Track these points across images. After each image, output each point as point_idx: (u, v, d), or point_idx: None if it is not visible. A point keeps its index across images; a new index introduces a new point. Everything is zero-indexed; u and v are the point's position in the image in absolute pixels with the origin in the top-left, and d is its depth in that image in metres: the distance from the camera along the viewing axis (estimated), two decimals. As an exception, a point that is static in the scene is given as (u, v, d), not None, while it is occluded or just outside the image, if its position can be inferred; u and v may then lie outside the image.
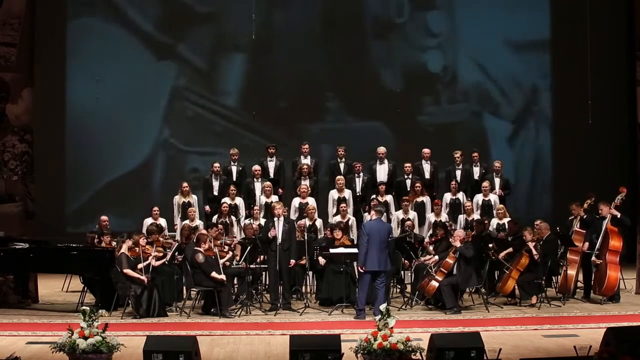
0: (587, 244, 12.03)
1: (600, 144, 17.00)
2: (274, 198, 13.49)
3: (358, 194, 13.96)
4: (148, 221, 13.01)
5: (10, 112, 12.29)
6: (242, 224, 12.92)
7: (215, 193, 14.01)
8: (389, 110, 16.93)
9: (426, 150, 14.50)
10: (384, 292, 10.83)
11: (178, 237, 12.89)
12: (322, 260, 11.94)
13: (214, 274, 11.05)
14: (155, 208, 13.36)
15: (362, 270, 11.00)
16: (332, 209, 13.69)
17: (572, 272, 12.08)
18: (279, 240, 11.32)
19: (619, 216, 11.95)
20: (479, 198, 13.86)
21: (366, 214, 13.68)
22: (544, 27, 17.53)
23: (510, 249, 12.00)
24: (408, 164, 14.27)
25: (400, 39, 17.31)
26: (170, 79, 17.11)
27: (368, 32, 17.32)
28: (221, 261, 11.38)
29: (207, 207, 14.04)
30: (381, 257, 10.75)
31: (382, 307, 8.40)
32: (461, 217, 13.59)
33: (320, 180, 14.47)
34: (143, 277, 10.96)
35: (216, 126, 17.06)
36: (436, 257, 11.65)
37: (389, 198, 13.88)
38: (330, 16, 17.18)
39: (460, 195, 13.93)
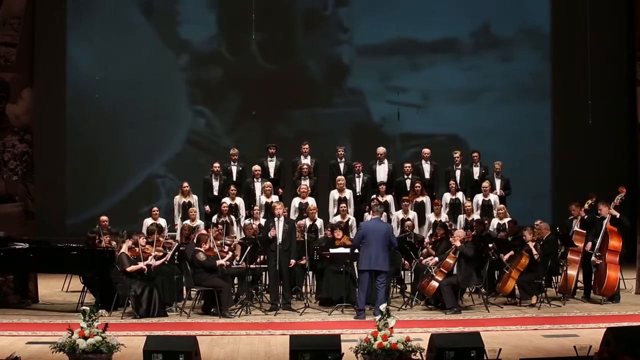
0: (590, 244, 12.02)
1: (600, 144, 17.00)
2: (274, 198, 13.49)
3: (358, 194, 13.95)
4: (148, 221, 13.02)
5: (10, 112, 12.29)
6: (242, 224, 12.92)
7: (215, 193, 14.01)
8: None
9: (426, 150, 14.51)
10: (384, 293, 10.83)
11: (178, 237, 12.89)
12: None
13: (219, 262, 11.16)
14: (155, 208, 13.36)
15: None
16: (332, 209, 13.69)
17: (572, 272, 12.05)
18: (279, 240, 11.31)
19: (618, 216, 11.95)
20: (479, 198, 13.86)
21: (366, 214, 13.68)
22: (544, 27, 17.53)
23: (512, 252, 11.97)
24: (408, 164, 14.27)
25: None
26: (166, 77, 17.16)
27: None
28: (222, 261, 11.38)
29: (207, 207, 14.03)
30: (379, 256, 10.75)
31: (382, 307, 8.40)
32: (461, 217, 13.60)
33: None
34: (143, 266, 10.97)
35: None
36: (436, 258, 11.63)
37: (389, 198, 13.88)
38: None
39: (460, 195, 13.94)
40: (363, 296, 10.82)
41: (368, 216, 13.49)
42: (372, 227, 10.92)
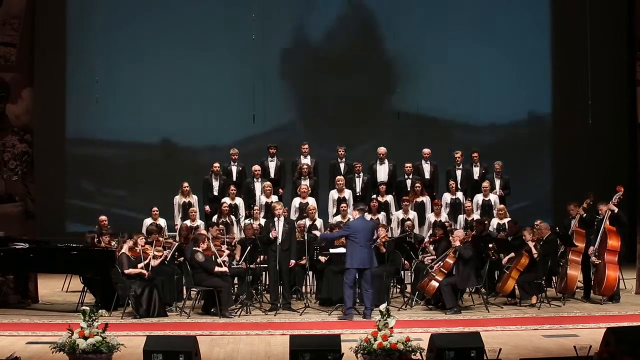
0: (591, 247, 11.97)
1: (601, 144, 17.00)
2: (274, 198, 13.49)
3: (358, 194, 13.95)
4: (148, 221, 13.02)
5: (10, 112, 12.30)
6: (242, 224, 12.92)
7: (215, 193, 14.01)
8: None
9: (426, 151, 14.50)
10: (371, 293, 10.84)
11: (178, 237, 12.88)
12: (322, 259, 11.93)
13: (217, 269, 11.08)
14: (155, 208, 13.35)
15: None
16: (332, 209, 13.68)
17: (573, 272, 12.00)
18: (279, 240, 11.31)
19: (616, 211, 11.91)
20: (479, 198, 13.87)
21: (366, 213, 13.66)
22: (544, 27, 17.53)
23: (513, 254, 11.96)
24: (408, 164, 14.27)
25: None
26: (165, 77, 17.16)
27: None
28: (220, 268, 11.34)
29: (207, 207, 14.03)
30: (367, 254, 10.78)
31: (382, 307, 8.41)
32: (461, 217, 13.60)
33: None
34: (144, 271, 10.97)
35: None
36: (439, 264, 11.59)
37: (389, 198, 13.89)
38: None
39: (460, 195, 13.94)
40: (351, 294, 10.79)
41: (368, 216, 13.50)
42: (360, 226, 10.93)
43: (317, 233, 11.69)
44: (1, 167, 12.25)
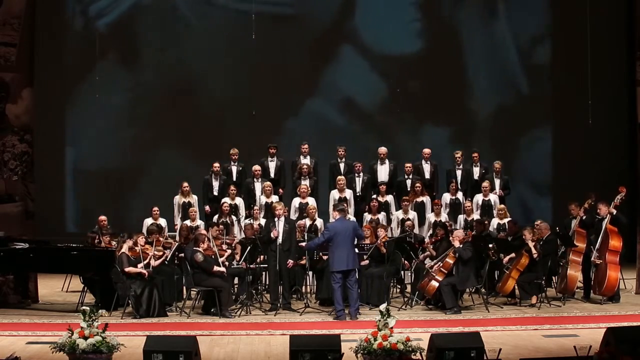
0: (594, 254, 11.99)
1: (600, 144, 16.99)
2: (274, 198, 13.48)
3: (358, 194, 13.95)
4: (148, 221, 13.02)
5: (10, 112, 12.30)
6: (242, 224, 12.92)
7: (215, 193, 14.00)
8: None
9: (426, 151, 14.50)
10: (355, 292, 10.84)
11: (177, 237, 12.88)
12: (325, 257, 11.90)
13: (216, 268, 11.08)
14: (155, 208, 13.35)
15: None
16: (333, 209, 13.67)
17: (573, 272, 11.99)
18: (280, 240, 11.31)
19: (614, 213, 11.91)
20: (478, 198, 13.86)
21: (366, 213, 13.69)
22: (544, 27, 17.52)
23: (513, 254, 11.96)
24: (408, 164, 14.27)
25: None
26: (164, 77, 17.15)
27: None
28: (219, 268, 11.33)
29: (207, 207, 14.03)
30: (349, 255, 10.78)
31: (382, 307, 8.41)
32: (461, 217, 13.59)
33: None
34: (144, 271, 10.97)
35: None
36: (440, 262, 11.57)
37: (389, 198, 13.88)
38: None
39: (460, 196, 13.94)
40: (339, 295, 10.78)
41: (368, 216, 13.52)
42: (340, 227, 10.92)
43: (303, 244, 11.66)
44: (1, 167, 12.25)
